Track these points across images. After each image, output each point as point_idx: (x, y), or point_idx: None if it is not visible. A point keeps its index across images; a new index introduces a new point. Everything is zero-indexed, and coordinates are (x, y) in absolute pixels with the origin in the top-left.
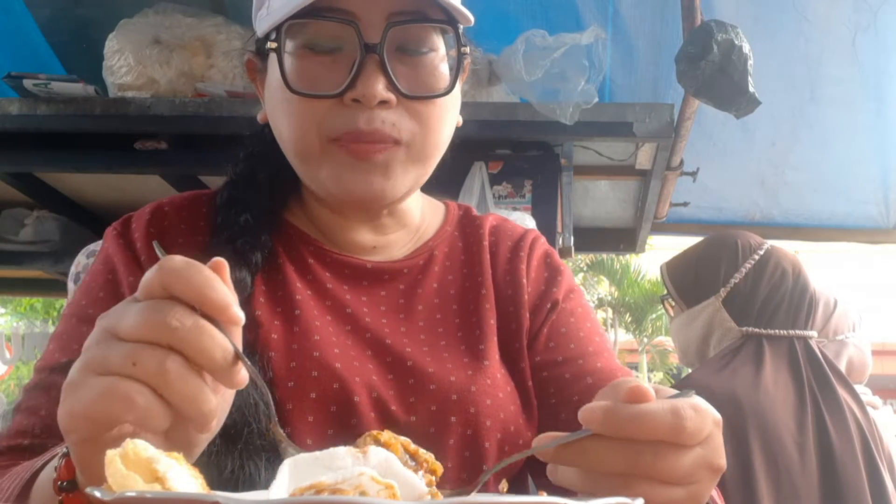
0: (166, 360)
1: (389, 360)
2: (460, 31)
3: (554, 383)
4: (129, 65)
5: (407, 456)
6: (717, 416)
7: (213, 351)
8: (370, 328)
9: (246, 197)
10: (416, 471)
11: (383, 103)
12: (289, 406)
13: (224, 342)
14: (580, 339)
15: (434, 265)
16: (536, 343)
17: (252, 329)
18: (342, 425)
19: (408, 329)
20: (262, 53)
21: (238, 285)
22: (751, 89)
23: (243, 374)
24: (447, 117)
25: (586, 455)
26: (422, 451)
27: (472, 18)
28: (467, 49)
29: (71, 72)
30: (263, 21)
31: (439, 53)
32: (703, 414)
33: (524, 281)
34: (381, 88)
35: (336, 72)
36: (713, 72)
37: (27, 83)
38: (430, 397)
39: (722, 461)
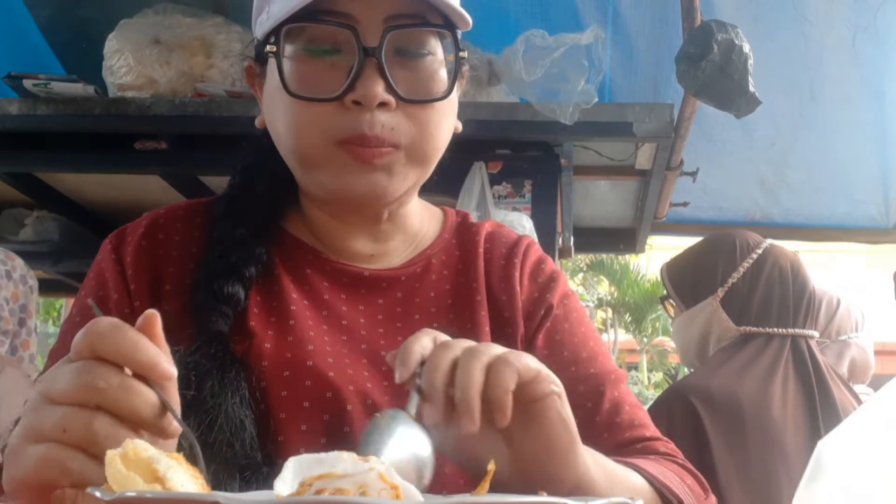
0: (93, 421)
1: (385, 370)
2: (458, 36)
3: None
4: (128, 65)
5: None
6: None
7: (139, 407)
8: (366, 339)
9: (243, 209)
10: None
11: (383, 105)
12: (282, 415)
13: (151, 397)
14: (574, 345)
15: (431, 273)
16: (532, 350)
17: (245, 339)
18: (335, 433)
19: (404, 338)
20: (260, 58)
21: (231, 300)
22: (751, 89)
23: (174, 426)
24: (444, 122)
25: None
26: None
27: (470, 21)
28: (465, 54)
29: (71, 72)
30: (263, 26)
31: (437, 57)
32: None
33: (518, 288)
34: (380, 90)
35: (335, 75)
36: (713, 72)
37: (27, 83)
38: None
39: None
